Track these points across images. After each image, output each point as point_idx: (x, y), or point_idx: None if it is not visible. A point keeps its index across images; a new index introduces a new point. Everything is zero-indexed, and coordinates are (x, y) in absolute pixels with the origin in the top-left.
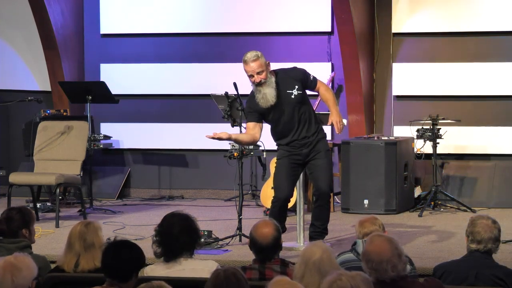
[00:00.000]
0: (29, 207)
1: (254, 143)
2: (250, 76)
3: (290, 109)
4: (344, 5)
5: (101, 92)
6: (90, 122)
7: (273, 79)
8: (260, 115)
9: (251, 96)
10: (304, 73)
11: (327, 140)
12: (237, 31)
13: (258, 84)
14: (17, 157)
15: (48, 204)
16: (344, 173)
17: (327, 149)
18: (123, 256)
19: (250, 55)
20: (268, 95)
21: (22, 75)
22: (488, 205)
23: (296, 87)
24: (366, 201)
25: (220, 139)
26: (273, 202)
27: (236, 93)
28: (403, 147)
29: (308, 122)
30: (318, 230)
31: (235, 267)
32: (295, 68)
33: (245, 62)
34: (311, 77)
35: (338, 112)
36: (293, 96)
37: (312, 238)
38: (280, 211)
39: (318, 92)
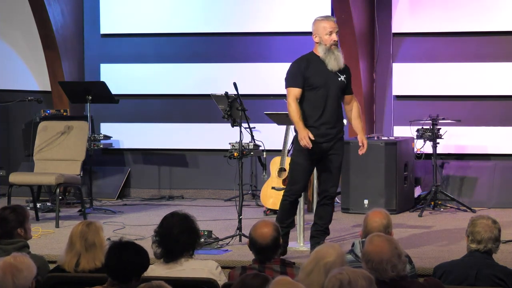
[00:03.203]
0: (29, 207)
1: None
2: (329, 34)
3: (335, 89)
4: (344, 5)
5: (101, 92)
6: (90, 122)
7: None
8: (304, 81)
9: (305, 59)
10: (351, 75)
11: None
12: (237, 31)
13: (334, 43)
14: (17, 157)
15: (48, 204)
16: (344, 173)
17: (344, 152)
18: (127, 258)
19: (329, 16)
20: (340, 58)
21: (22, 75)
22: (488, 205)
23: (344, 75)
24: (366, 201)
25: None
26: (286, 195)
27: (236, 93)
28: (403, 147)
29: (340, 114)
30: (320, 229)
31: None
32: (347, 65)
33: (325, 19)
34: (350, 86)
35: (364, 137)
36: (339, 79)
37: (313, 237)
38: (291, 205)
39: (348, 103)
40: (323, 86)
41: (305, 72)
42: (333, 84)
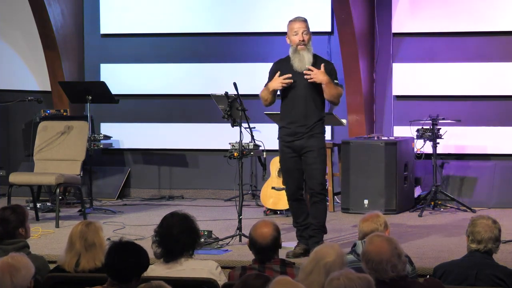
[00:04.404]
0: (29, 207)
1: (272, 102)
2: (295, 34)
3: (302, 88)
4: (344, 5)
5: (101, 92)
6: (90, 122)
7: (312, 49)
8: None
9: (281, 60)
10: (332, 69)
11: (324, 137)
12: (237, 31)
13: (300, 44)
14: (17, 157)
15: (48, 204)
16: (344, 173)
17: (321, 147)
18: (127, 258)
19: (299, 16)
20: (306, 59)
21: (22, 75)
22: (488, 205)
23: None
24: (366, 201)
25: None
26: (286, 197)
27: (236, 93)
28: (403, 147)
29: (312, 112)
30: (316, 228)
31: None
32: (329, 61)
33: (294, 20)
34: (335, 80)
35: (326, 80)
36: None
37: (311, 237)
38: (294, 204)
39: None
40: (290, 86)
41: (276, 73)
42: (300, 83)
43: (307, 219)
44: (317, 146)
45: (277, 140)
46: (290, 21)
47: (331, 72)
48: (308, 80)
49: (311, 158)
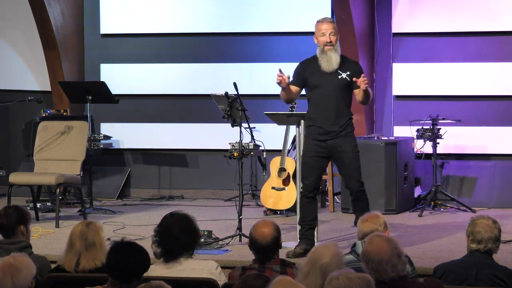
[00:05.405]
0: (29, 207)
1: (292, 100)
2: (322, 35)
3: (332, 88)
4: (344, 5)
5: (101, 92)
6: (90, 122)
7: (339, 50)
8: (304, 81)
9: (307, 60)
10: (360, 69)
11: (354, 135)
12: (237, 31)
13: (327, 44)
14: (17, 157)
15: (48, 204)
16: None
17: (354, 145)
18: (128, 258)
19: (326, 17)
20: (333, 59)
21: (22, 75)
22: (488, 205)
23: (348, 72)
24: None
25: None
26: (300, 191)
27: (236, 93)
28: (403, 147)
29: (342, 111)
30: None
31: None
32: (356, 62)
33: (321, 21)
34: None
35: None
36: (339, 77)
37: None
38: (307, 201)
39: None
40: (318, 86)
41: (304, 72)
42: (329, 83)
43: (314, 220)
44: (351, 145)
45: (306, 138)
46: (318, 22)
47: (358, 71)
48: (361, 87)
49: (346, 158)
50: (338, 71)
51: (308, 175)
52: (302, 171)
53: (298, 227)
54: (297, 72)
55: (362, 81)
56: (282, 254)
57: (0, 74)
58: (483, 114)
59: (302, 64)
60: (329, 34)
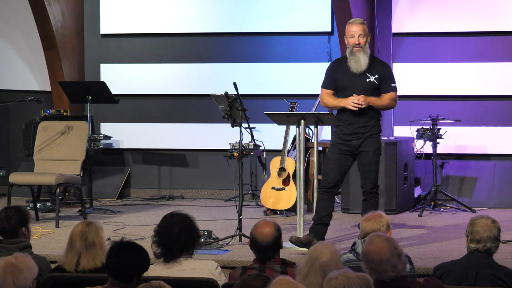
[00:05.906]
0: (29, 207)
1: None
2: (351, 37)
3: (360, 89)
4: (344, 5)
5: (101, 92)
6: (90, 122)
7: (368, 51)
8: (336, 81)
9: (337, 60)
10: (389, 73)
11: (380, 137)
12: (237, 31)
13: (356, 46)
14: (17, 157)
15: (48, 204)
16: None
17: (377, 147)
18: (128, 258)
19: (357, 19)
20: (362, 61)
21: (22, 75)
22: (488, 205)
23: (376, 76)
24: None
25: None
26: (319, 187)
27: (236, 93)
28: (403, 147)
29: (370, 113)
30: None
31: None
32: (386, 64)
33: (351, 22)
34: (391, 84)
35: (371, 99)
36: (367, 80)
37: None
38: (324, 197)
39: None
40: (347, 87)
41: (335, 73)
42: (357, 85)
43: (327, 217)
44: (374, 147)
45: (332, 137)
46: (348, 23)
47: (386, 75)
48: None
49: (366, 158)
50: (367, 73)
51: (329, 170)
52: (324, 167)
53: (297, 227)
54: (330, 72)
55: (351, 105)
56: (282, 254)
57: (0, 74)
58: (483, 114)
59: (334, 63)
60: (358, 36)
